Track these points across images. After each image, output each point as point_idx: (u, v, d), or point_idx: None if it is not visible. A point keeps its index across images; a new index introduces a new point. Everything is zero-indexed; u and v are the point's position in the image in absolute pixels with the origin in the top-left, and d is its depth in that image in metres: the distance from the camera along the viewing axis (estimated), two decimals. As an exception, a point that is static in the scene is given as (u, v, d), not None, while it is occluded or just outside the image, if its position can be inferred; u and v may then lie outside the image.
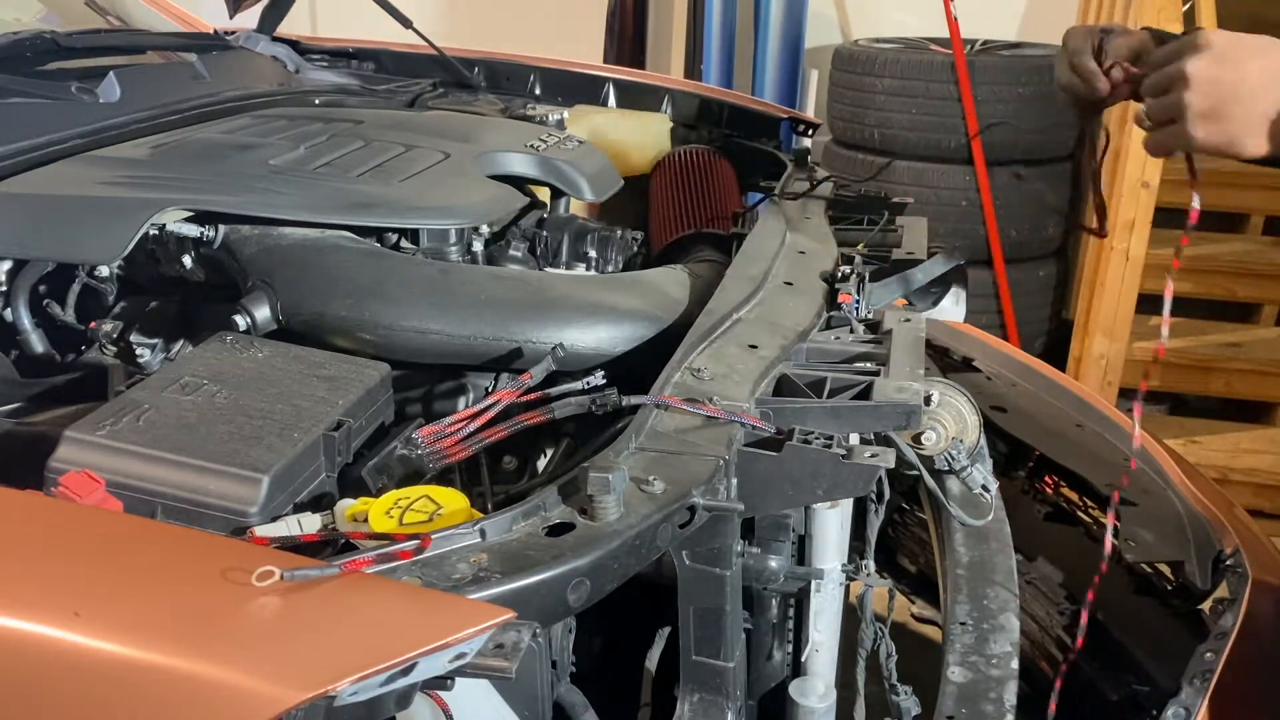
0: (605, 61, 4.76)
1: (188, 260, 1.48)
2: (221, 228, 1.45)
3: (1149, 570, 1.66)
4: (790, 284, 1.51)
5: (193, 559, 0.88)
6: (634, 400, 1.16)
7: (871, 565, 1.40)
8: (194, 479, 1.01)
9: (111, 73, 1.75)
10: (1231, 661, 1.34)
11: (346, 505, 1.03)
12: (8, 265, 1.43)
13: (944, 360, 1.99)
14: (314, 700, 0.76)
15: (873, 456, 1.10)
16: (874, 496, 1.40)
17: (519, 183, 1.75)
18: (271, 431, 1.07)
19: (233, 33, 2.36)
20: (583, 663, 1.20)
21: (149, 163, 1.54)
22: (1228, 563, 1.52)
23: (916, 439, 1.45)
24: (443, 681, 0.84)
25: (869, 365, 1.32)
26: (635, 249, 1.77)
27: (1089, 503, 1.81)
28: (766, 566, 1.28)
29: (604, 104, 2.41)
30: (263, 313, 1.35)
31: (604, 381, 1.23)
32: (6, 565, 0.85)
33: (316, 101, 2.10)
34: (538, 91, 2.46)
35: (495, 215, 1.62)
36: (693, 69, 4.72)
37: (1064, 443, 1.84)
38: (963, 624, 1.41)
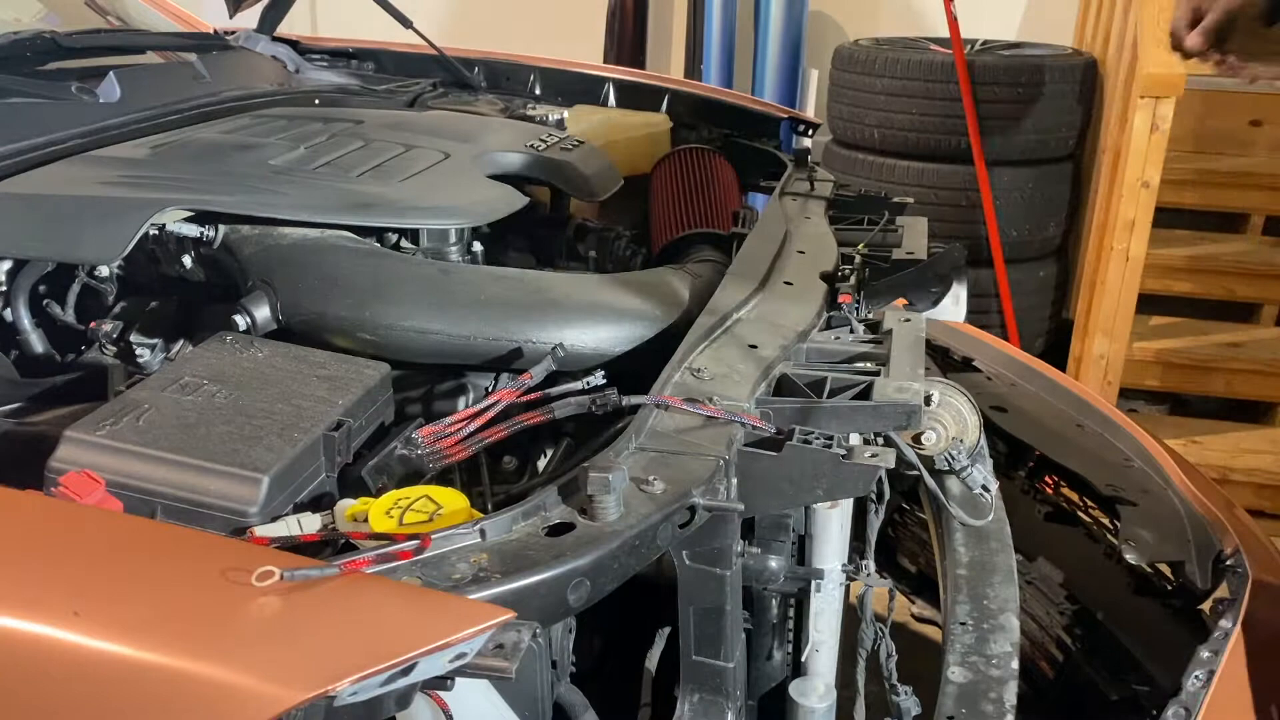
0: (605, 61, 4.76)
1: (188, 260, 1.48)
2: (221, 228, 1.45)
3: (1149, 570, 1.66)
4: (790, 284, 1.51)
5: (193, 559, 0.88)
6: (634, 400, 1.16)
7: (871, 565, 1.40)
8: (194, 479, 1.01)
9: (111, 73, 1.75)
10: (1231, 661, 1.35)
11: (346, 505, 1.03)
12: (8, 265, 1.43)
13: (944, 360, 1.99)
14: (314, 700, 0.76)
15: (873, 456, 1.10)
16: (874, 496, 1.40)
17: (519, 183, 1.75)
18: (271, 431, 1.07)
19: (233, 33, 2.36)
20: (583, 663, 1.20)
21: (149, 163, 1.54)
22: (1228, 563, 1.52)
23: (916, 439, 1.45)
24: (443, 681, 0.84)
25: (869, 365, 1.32)
26: (635, 249, 1.77)
27: (1089, 503, 1.82)
28: (766, 566, 1.28)
29: (604, 104, 2.40)
30: (263, 313, 1.35)
31: (604, 381, 1.23)
32: (6, 565, 0.85)
33: (316, 101, 2.10)
34: (538, 91, 2.46)
35: (495, 215, 1.62)
36: (693, 69, 4.72)
37: (1064, 443, 1.84)
38: (963, 624, 1.41)
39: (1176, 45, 1.56)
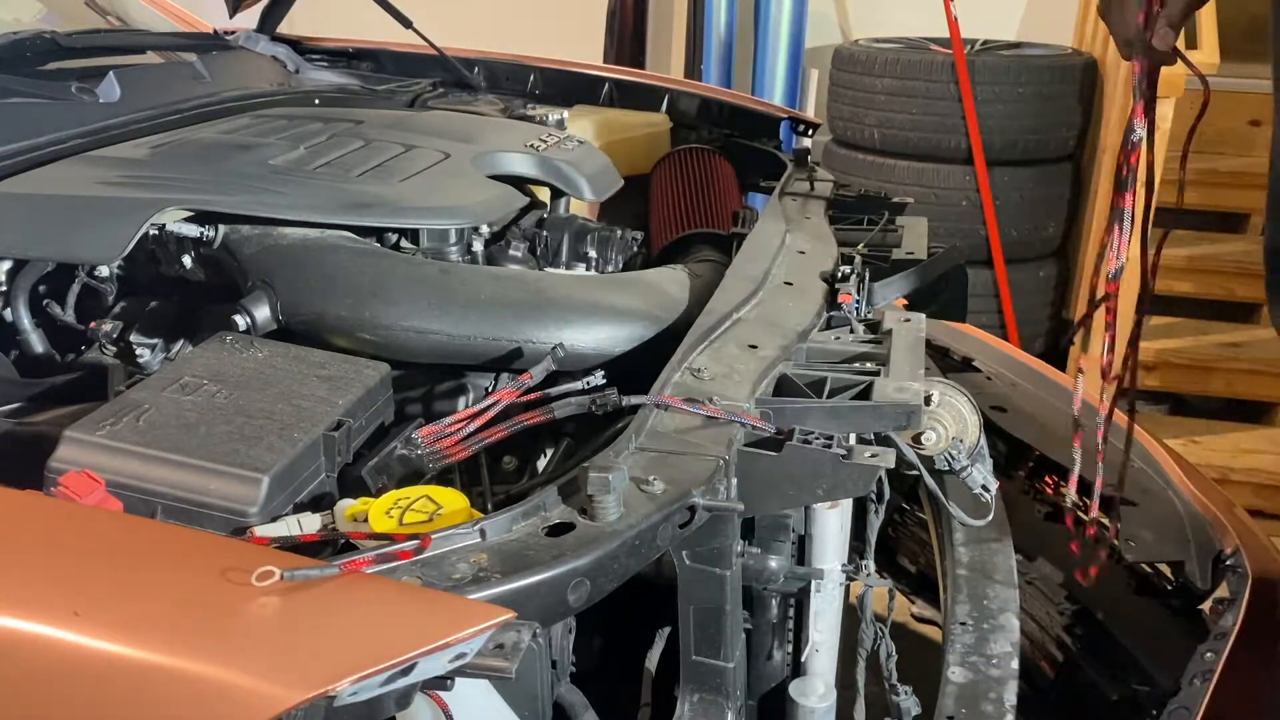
0: (605, 61, 4.76)
1: (188, 260, 1.48)
2: (221, 228, 1.45)
3: (1149, 570, 1.66)
4: (790, 284, 1.51)
5: (193, 559, 0.88)
6: (634, 400, 1.16)
7: (871, 565, 1.40)
8: (194, 479, 1.01)
9: (111, 73, 1.75)
10: (1231, 661, 1.35)
11: (346, 505, 1.03)
12: (8, 265, 1.43)
13: (944, 360, 1.99)
14: (314, 700, 0.76)
15: (873, 456, 1.10)
16: (874, 496, 1.40)
17: (519, 183, 1.75)
18: (271, 431, 1.07)
19: (233, 33, 2.36)
20: (583, 663, 1.20)
21: (149, 163, 1.54)
22: (1228, 563, 1.52)
23: (916, 439, 1.45)
24: (443, 681, 0.84)
25: (869, 365, 1.32)
26: (635, 249, 1.77)
27: (1089, 503, 1.81)
28: (766, 566, 1.28)
29: (604, 104, 2.40)
30: (263, 313, 1.35)
31: (604, 381, 1.23)
32: (6, 565, 0.85)
33: (316, 101, 2.10)
34: (538, 91, 2.46)
35: (495, 215, 1.62)
36: (693, 69, 4.72)
37: (1064, 443, 1.84)
38: (963, 624, 1.41)
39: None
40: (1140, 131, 1.25)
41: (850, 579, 1.41)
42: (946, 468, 1.51)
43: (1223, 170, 4.11)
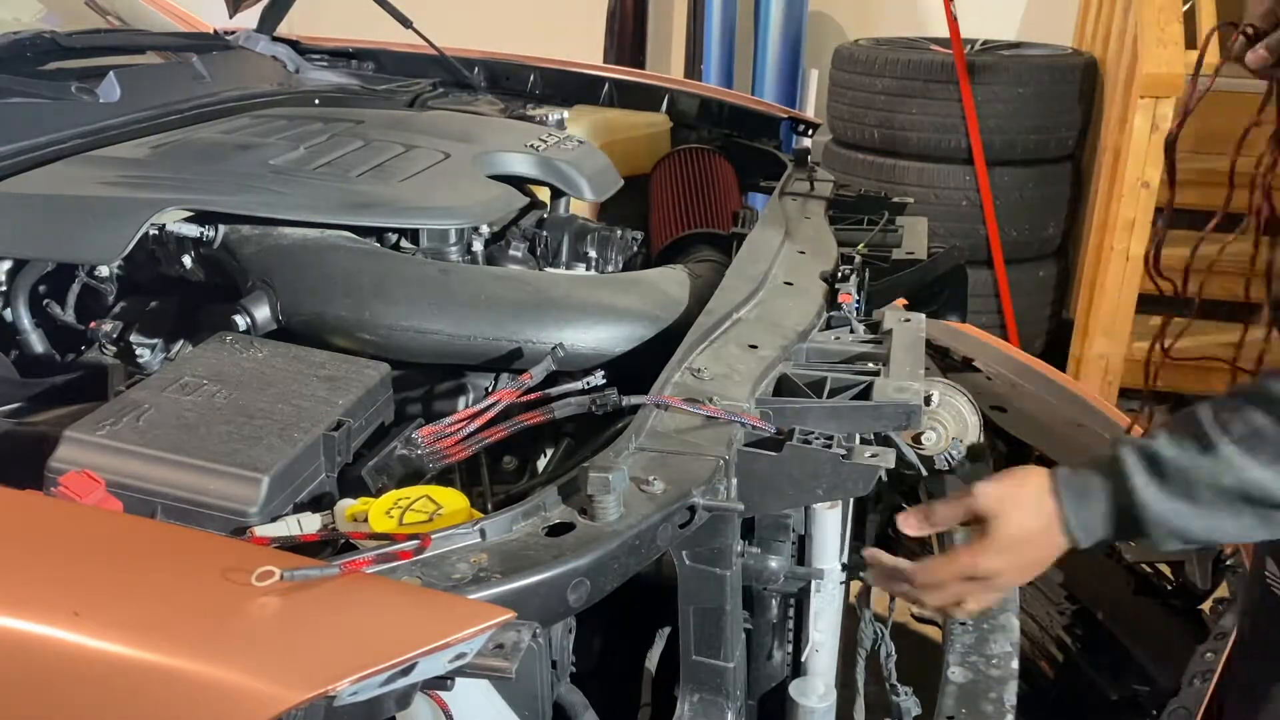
0: (605, 61, 4.76)
1: (188, 260, 1.48)
2: (221, 228, 1.45)
3: (1149, 570, 1.66)
4: (790, 284, 1.51)
5: (193, 559, 0.88)
6: (634, 400, 1.16)
7: (871, 565, 1.40)
8: (194, 479, 1.01)
9: (111, 73, 1.75)
10: (1231, 661, 1.35)
11: (346, 505, 1.03)
12: (8, 265, 1.43)
13: (944, 360, 1.99)
14: (314, 700, 0.76)
15: (873, 456, 1.10)
16: (873, 497, 1.40)
17: (519, 183, 1.75)
18: (271, 431, 1.07)
19: (233, 33, 2.36)
20: (583, 663, 1.20)
21: (149, 163, 1.54)
22: (1228, 563, 1.52)
23: (916, 439, 1.45)
24: (443, 681, 0.84)
25: (869, 365, 1.32)
26: (635, 249, 1.77)
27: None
28: (766, 566, 1.28)
29: (604, 104, 2.40)
30: (263, 313, 1.35)
31: (604, 381, 1.23)
32: (6, 565, 0.85)
33: (316, 101, 2.10)
34: (538, 91, 2.46)
35: (495, 215, 1.62)
36: (693, 69, 4.72)
37: (1064, 443, 1.84)
38: (963, 624, 1.41)
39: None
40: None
41: (850, 579, 1.41)
42: (946, 468, 1.51)
43: (1222, 170, 4.11)
